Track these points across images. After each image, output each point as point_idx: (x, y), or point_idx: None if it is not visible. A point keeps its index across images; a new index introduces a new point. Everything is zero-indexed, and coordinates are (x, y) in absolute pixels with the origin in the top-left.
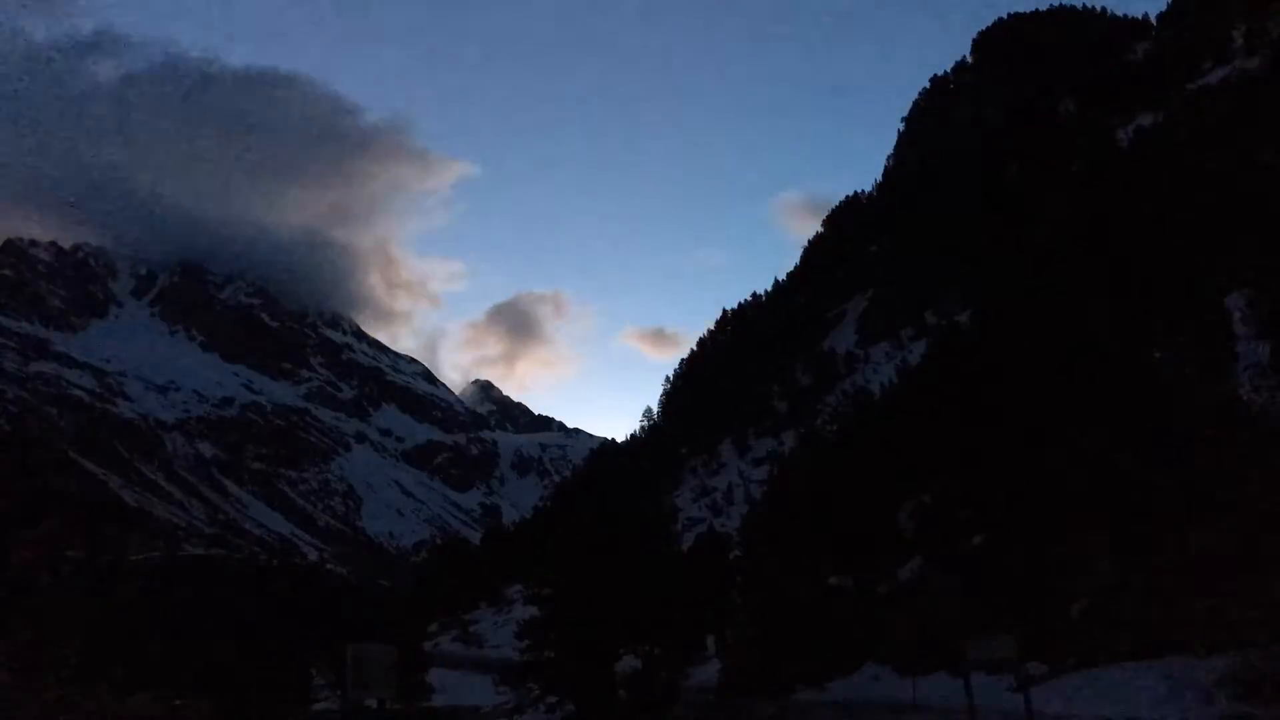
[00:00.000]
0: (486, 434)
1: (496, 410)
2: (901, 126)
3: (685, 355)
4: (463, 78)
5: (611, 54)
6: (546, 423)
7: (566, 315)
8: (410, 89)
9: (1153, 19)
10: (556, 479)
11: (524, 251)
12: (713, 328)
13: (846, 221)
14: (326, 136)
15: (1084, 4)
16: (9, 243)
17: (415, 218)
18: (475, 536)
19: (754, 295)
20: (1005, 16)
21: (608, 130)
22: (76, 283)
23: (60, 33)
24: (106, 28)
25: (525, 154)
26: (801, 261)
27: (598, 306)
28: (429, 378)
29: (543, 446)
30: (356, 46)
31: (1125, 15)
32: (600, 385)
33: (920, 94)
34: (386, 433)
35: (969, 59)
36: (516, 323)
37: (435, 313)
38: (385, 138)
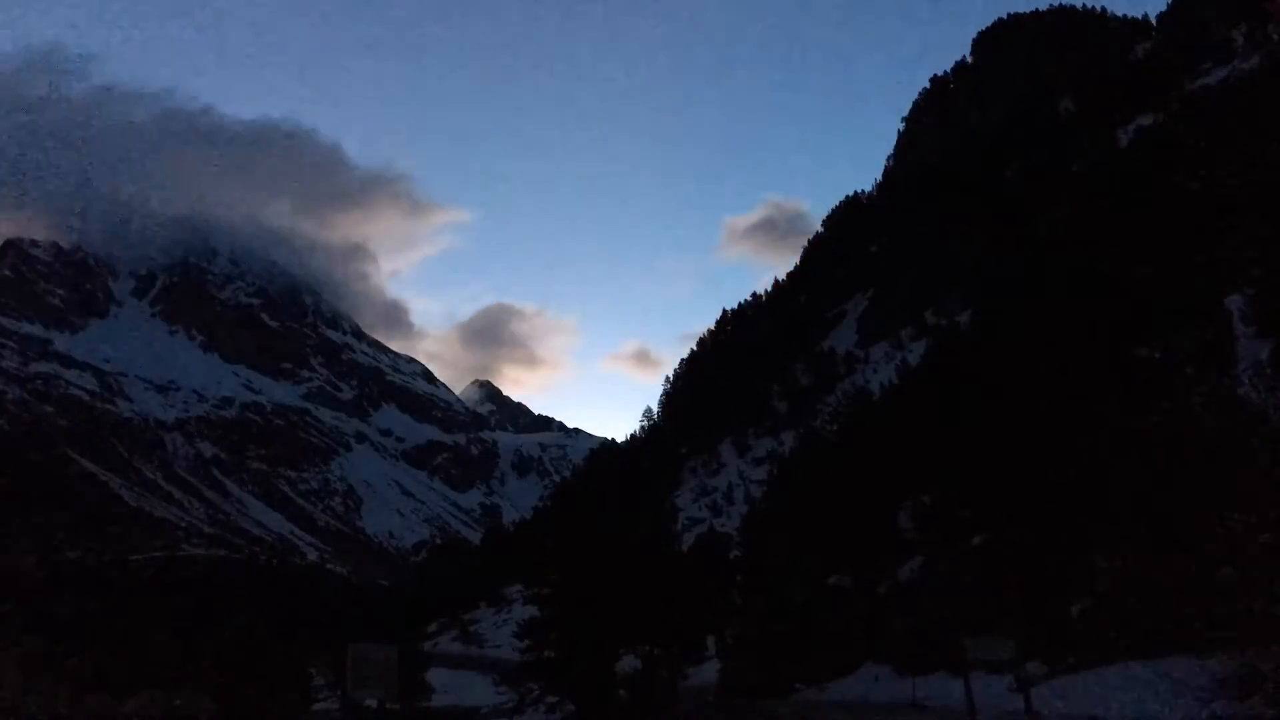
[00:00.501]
0: (486, 434)
1: (496, 410)
2: (901, 126)
3: (685, 356)
4: (453, 126)
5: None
6: (546, 423)
7: (565, 330)
8: (401, 139)
9: (1153, 19)
10: (556, 479)
11: (512, 273)
12: (713, 328)
13: (846, 221)
14: (322, 187)
15: (1084, 4)
16: (9, 243)
17: (406, 255)
18: (475, 536)
19: (754, 295)
20: (1005, 16)
21: (596, 154)
22: (76, 283)
23: (59, 91)
24: (104, 83)
25: (512, 194)
26: (801, 261)
27: (589, 318)
28: (429, 378)
29: (543, 446)
30: (348, 99)
31: (1125, 15)
32: (597, 391)
33: (920, 94)
34: (386, 433)
35: (969, 59)
36: (506, 334)
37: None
38: (379, 186)
